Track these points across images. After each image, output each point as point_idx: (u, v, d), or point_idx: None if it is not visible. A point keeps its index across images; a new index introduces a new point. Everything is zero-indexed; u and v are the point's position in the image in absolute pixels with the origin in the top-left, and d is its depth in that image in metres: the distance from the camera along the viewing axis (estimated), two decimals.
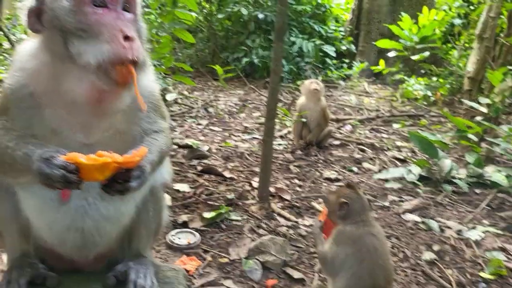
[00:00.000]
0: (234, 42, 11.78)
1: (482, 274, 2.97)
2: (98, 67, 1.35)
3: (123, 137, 1.64)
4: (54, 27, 1.41)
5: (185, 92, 9.00)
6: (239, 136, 6.18)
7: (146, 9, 7.38)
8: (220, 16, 11.61)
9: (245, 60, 10.86)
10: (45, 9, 1.43)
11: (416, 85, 9.11)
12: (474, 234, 3.50)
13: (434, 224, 3.62)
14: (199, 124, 6.74)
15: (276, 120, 6.92)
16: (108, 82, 1.37)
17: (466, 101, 4.76)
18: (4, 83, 1.58)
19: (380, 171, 4.84)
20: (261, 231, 3.36)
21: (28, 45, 1.57)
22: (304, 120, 5.60)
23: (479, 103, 4.68)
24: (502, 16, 5.44)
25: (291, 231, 3.40)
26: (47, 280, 1.74)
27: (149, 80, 1.68)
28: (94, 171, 1.37)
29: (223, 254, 3.00)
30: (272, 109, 3.73)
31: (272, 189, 4.04)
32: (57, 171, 1.35)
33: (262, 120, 7.25)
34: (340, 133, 6.51)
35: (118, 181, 1.44)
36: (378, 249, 2.20)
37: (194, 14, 5.16)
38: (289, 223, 3.52)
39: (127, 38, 1.35)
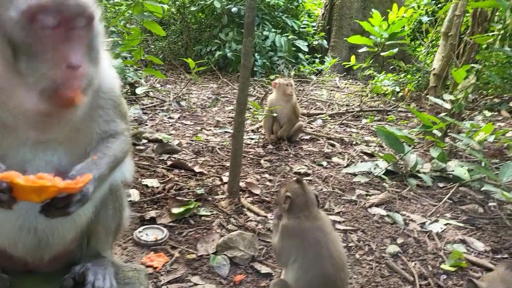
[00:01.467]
0: (207, 35, 11.71)
1: (443, 266, 3.08)
2: (41, 91, 1.31)
3: (80, 134, 1.60)
4: (1, 34, 1.33)
5: (157, 85, 8.89)
6: (211, 130, 6.17)
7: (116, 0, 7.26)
8: (193, 8, 11.50)
9: (218, 53, 10.81)
10: None
11: (385, 81, 9.28)
12: (436, 227, 3.62)
13: (399, 218, 3.72)
14: (170, 117, 6.69)
15: (248, 115, 6.98)
16: (50, 105, 1.34)
17: (431, 98, 4.90)
18: None
19: (348, 165, 4.93)
20: (230, 226, 3.38)
21: None
22: (275, 115, 5.64)
23: (443, 99, 4.81)
24: (468, 14, 5.60)
25: (260, 226, 3.42)
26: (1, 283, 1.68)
27: (109, 77, 1.64)
28: (31, 193, 1.33)
29: (191, 250, 3.00)
30: (243, 103, 3.73)
31: (242, 184, 4.06)
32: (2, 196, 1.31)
33: (233, 114, 7.26)
34: (311, 128, 6.58)
35: (57, 206, 1.41)
36: (320, 241, 2.27)
37: (166, 6, 5.09)
38: (258, 218, 3.54)
39: (71, 66, 1.30)
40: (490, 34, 4.42)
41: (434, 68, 5.41)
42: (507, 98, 8.72)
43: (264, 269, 2.88)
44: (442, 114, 4.68)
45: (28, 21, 1.29)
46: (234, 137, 3.82)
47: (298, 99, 7.93)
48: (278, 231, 2.44)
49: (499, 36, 4.46)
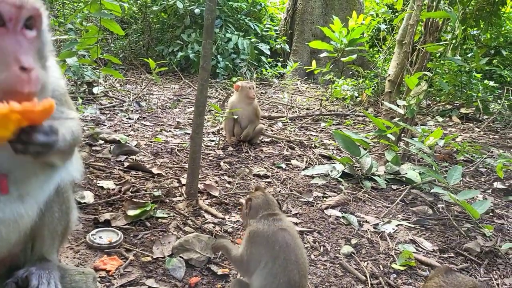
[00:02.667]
0: (169, 36, 11.60)
1: (393, 265, 3.20)
2: None
3: None
4: None
5: (117, 85, 8.71)
6: (170, 131, 6.11)
7: None
8: (155, 8, 11.36)
9: (180, 54, 10.72)
10: None
11: (344, 86, 9.52)
12: (389, 228, 3.75)
13: (353, 219, 3.83)
14: (129, 118, 6.57)
15: (209, 117, 6.97)
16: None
17: (385, 103, 5.07)
18: None
19: (306, 168, 5.02)
20: (187, 228, 3.36)
21: None
22: (235, 117, 5.66)
23: (397, 104, 4.99)
24: (421, 23, 5.84)
25: (217, 228, 3.43)
26: None
27: (53, 77, 1.61)
28: None
29: (147, 253, 2.96)
30: (201, 105, 3.73)
31: (201, 186, 4.05)
32: None
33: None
34: (272, 131, 6.64)
35: (23, 138, 1.35)
36: (290, 244, 2.28)
37: (126, 5, 5.01)
38: (216, 220, 3.55)
39: (23, 68, 1.27)
40: (441, 43, 4.63)
41: (389, 75, 5.60)
42: (457, 104, 9.15)
43: (220, 271, 2.89)
44: (396, 119, 4.86)
45: None
46: (192, 139, 3.80)
47: (259, 102, 8.02)
48: (244, 240, 2.41)
49: (450, 46, 4.67)
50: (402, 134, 5.11)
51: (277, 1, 14.42)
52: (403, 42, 5.49)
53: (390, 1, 9.33)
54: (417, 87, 4.60)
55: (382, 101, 6.01)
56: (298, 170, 4.99)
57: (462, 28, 4.67)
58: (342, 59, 9.65)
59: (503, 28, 10.51)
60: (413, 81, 4.51)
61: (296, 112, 8.14)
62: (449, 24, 5.07)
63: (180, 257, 2.93)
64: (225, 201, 3.94)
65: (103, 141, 5.00)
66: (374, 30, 11.18)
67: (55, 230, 1.79)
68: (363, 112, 5.64)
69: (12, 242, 1.66)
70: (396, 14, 10.37)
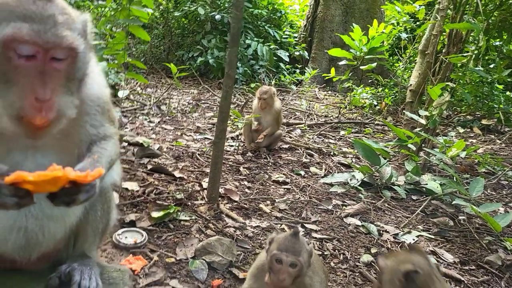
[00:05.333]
0: (190, 41, 11.74)
1: None
2: (10, 117, 1.35)
3: (68, 138, 1.64)
4: None
5: (138, 89, 8.86)
6: (191, 135, 6.19)
7: (101, 2, 7.23)
8: (176, 14, 11.52)
9: (200, 59, 10.84)
10: None
11: (363, 94, 9.50)
12: (409, 238, 3.74)
13: (373, 228, 3.83)
14: (150, 121, 6.68)
15: (228, 122, 7.03)
16: (19, 132, 1.39)
17: (407, 113, 5.06)
18: None
19: (325, 175, 5.04)
20: (208, 231, 3.41)
21: None
22: (255, 123, 5.71)
23: (419, 115, 4.98)
24: (444, 34, 5.83)
25: (238, 232, 3.47)
26: None
27: (97, 85, 1.68)
28: (46, 185, 1.39)
29: (170, 254, 3.02)
30: (225, 111, 3.79)
31: (221, 190, 4.10)
32: (9, 200, 1.36)
33: (215, 120, 7.29)
34: (290, 137, 6.68)
35: (66, 194, 1.45)
36: None
37: (150, 11, 5.12)
38: (237, 224, 3.59)
39: (38, 99, 1.32)
40: (465, 54, 4.62)
41: (410, 84, 5.60)
42: (479, 115, 9.06)
43: (242, 275, 2.93)
44: (417, 129, 4.85)
45: (5, 49, 1.30)
46: (215, 144, 3.86)
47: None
48: None
49: (473, 56, 4.66)
50: (423, 145, 5.09)
51: (297, 8, 14.46)
52: (426, 52, 5.49)
53: (412, 10, 9.27)
54: (440, 98, 4.59)
55: (403, 111, 5.99)
56: (317, 177, 5.01)
57: (485, 39, 4.65)
58: (361, 67, 9.67)
59: None
60: (436, 92, 4.51)
61: (314, 119, 8.16)
62: (472, 35, 5.06)
63: (203, 259, 2.98)
64: (245, 206, 3.99)
65: (126, 143, 5.10)
66: (394, 39, 11.14)
67: (97, 227, 1.87)
68: (383, 121, 5.63)
69: (58, 238, 1.75)
70: (418, 23, 10.33)
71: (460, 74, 4.73)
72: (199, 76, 10.84)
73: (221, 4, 11.35)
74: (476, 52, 4.63)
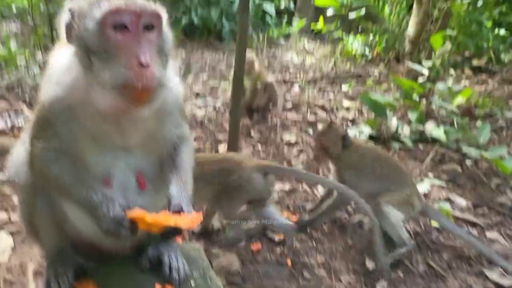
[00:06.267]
0: (170, 1, 11.36)
1: (433, 223, 3.40)
2: (114, 89, 1.42)
3: (153, 139, 1.74)
4: (81, 43, 1.46)
5: None
6: (192, 102, 6.18)
7: None
8: None
9: (184, 20, 10.56)
10: (74, 25, 1.46)
11: (354, 43, 9.47)
12: (423, 188, 3.92)
13: None
14: None
15: (224, 84, 7.01)
16: (124, 102, 1.45)
17: (410, 64, 5.13)
18: (42, 98, 1.58)
19: None
20: None
21: (61, 57, 1.57)
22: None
23: (420, 63, 5.06)
24: None
25: None
26: (87, 271, 1.85)
27: (175, 84, 1.73)
28: (153, 227, 1.54)
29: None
30: (239, 80, 3.81)
31: None
32: (123, 231, 1.54)
33: (212, 83, 7.28)
34: (290, 95, 6.72)
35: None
36: None
37: None
38: None
39: (141, 65, 1.40)
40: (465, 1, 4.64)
41: (409, 35, 5.63)
42: (468, 56, 9.13)
43: (276, 238, 3.11)
44: (420, 79, 4.94)
45: (103, 28, 1.42)
46: (231, 113, 3.91)
47: (269, 66, 8.00)
48: None
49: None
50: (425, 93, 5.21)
51: None
52: (422, 0, 5.48)
53: None
54: (442, 47, 4.66)
55: (397, 58, 6.02)
56: None
57: None
58: (349, 14, 9.56)
59: None
60: (438, 41, 4.57)
61: (309, 74, 8.16)
62: None
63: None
64: None
65: None
66: None
67: None
68: (392, 77, 5.63)
69: None
70: None
71: (464, 21, 4.76)
72: (185, 36, 10.60)
73: None
74: None
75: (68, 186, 1.61)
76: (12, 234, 2.84)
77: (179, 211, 1.60)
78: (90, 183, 1.60)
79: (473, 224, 3.48)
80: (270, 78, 6.00)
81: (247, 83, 5.61)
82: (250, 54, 5.83)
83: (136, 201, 1.66)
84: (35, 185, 1.71)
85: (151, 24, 1.48)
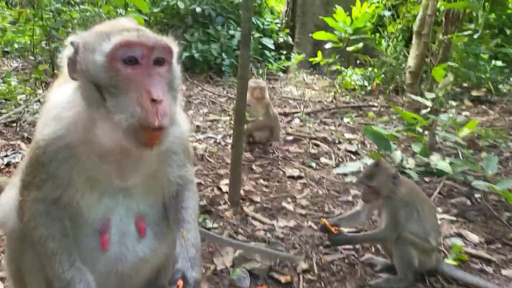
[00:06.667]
0: (172, 37, 11.51)
1: (446, 260, 3.26)
2: (127, 128, 1.34)
3: (156, 180, 1.65)
4: (87, 78, 1.39)
5: None
6: (193, 136, 6.11)
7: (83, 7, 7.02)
8: (155, 10, 11.26)
9: (185, 55, 10.67)
10: (79, 60, 1.39)
11: (353, 76, 9.53)
12: None
13: None
14: None
15: (224, 118, 6.98)
16: (134, 144, 1.37)
17: (411, 95, 5.11)
18: (38, 134, 1.49)
19: (337, 165, 5.07)
20: (239, 237, 3.41)
21: (61, 92, 1.50)
22: (250, 119, 5.60)
23: (422, 95, 5.03)
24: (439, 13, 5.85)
25: (268, 235, 3.48)
26: None
27: (182, 121, 1.66)
28: None
29: (208, 265, 3.02)
30: (241, 113, 3.75)
31: (241, 192, 4.08)
32: None
33: (212, 117, 7.24)
34: (291, 128, 6.67)
35: None
36: None
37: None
38: (265, 227, 3.60)
39: (154, 101, 1.33)
40: (466, 33, 4.66)
41: (409, 66, 5.64)
42: (467, 87, 9.18)
43: (283, 279, 2.95)
44: (424, 111, 4.90)
45: (112, 61, 1.37)
46: (233, 147, 3.84)
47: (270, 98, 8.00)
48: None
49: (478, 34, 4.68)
50: (429, 126, 5.16)
51: None
52: (422, 33, 5.52)
53: None
54: (444, 79, 4.64)
55: (397, 90, 6.00)
56: (329, 168, 5.04)
57: (485, 16, 4.70)
58: (347, 48, 9.69)
59: (506, 8, 10.51)
60: (440, 73, 4.55)
61: (309, 106, 8.16)
62: (469, 12, 5.10)
63: (243, 267, 2.98)
64: (268, 206, 4.00)
65: None
66: (377, 18, 11.16)
67: None
68: (394, 109, 5.60)
69: (147, 276, 1.75)
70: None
71: (463, 53, 4.78)
72: (184, 71, 10.68)
73: None
74: (480, 28, 4.67)
75: (50, 255, 1.50)
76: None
77: (181, 277, 1.52)
78: (85, 235, 1.49)
79: (488, 261, 3.33)
80: (275, 110, 6.01)
81: (258, 109, 5.60)
82: (260, 80, 5.88)
83: (135, 249, 1.55)
84: (24, 233, 1.59)
85: (162, 59, 1.43)
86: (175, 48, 1.51)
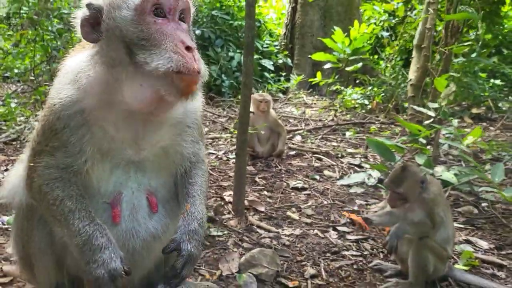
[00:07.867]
0: None
1: (457, 266, 3.18)
2: (166, 76, 1.31)
3: (169, 153, 1.61)
4: (114, 36, 1.39)
5: None
6: None
7: None
8: None
9: None
10: (103, 18, 1.38)
11: (353, 95, 9.59)
12: None
13: None
14: None
15: (226, 135, 6.98)
16: (172, 92, 1.34)
17: (414, 107, 5.11)
18: (51, 99, 1.45)
19: (341, 177, 5.02)
20: (245, 244, 3.34)
21: (77, 59, 1.48)
22: (262, 131, 5.65)
23: (424, 107, 5.03)
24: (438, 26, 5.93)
25: (274, 242, 3.41)
26: None
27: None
28: None
29: (214, 271, 2.93)
30: (245, 122, 3.74)
31: (245, 202, 4.02)
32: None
33: (212, 135, 7.22)
34: (293, 144, 6.64)
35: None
36: None
37: None
38: (271, 234, 3.53)
39: (188, 48, 1.33)
40: (466, 44, 4.71)
41: (410, 79, 5.67)
42: (466, 105, 9.23)
43: (291, 284, 2.87)
44: (427, 122, 4.89)
45: (142, 14, 1.40)
46: (237, 156, 3.80)
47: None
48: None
49: (479, 44, 4.74)
50: (432, 136, 5.14)
51: (274, 16, 14.61)
52: (422, 46, 5.57)
53: (391, 8, 9.47)
54: (447, 89, 4.66)
55: (397, 107, 6.02)
56: (333, 180, 4.99)
57: (484, 26, 4.76)
58: (347, 68, 9.79)
59: (502, 27, 10.68)
60: (442, 84, 4.56)
61: (310, 124, 8.16)
62: (469, 23, 5.16)
63: (250, 272, 2.90)
64: (273, 215, 3.93)
65: None
66: (375, 38, 11.34)
67: None
68: (396, 119, 5.60)
69: (157, 256, 1.69)
70: (397, 20, 10.54)
71: (465, 63, 4.81)
72: None
73: (200, 20, 11.33)
74: (477, 38, 4.72)
75: (68, 214, 1.44)
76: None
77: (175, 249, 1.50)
78: (96, 208, 1.44)
79: (500, 266, 3.25)
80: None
81: (261, 122, 5.62)
82: (266, 93, 5.93)
83: (147, 224, 1.50)
84: (32, 208, 1.54)
85: (183, 15, 1.49)
86: (192, 6, 1.57)
